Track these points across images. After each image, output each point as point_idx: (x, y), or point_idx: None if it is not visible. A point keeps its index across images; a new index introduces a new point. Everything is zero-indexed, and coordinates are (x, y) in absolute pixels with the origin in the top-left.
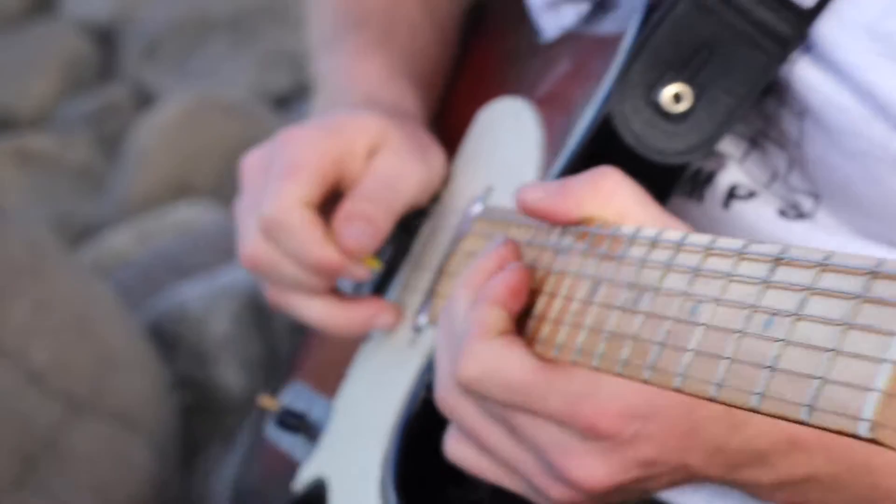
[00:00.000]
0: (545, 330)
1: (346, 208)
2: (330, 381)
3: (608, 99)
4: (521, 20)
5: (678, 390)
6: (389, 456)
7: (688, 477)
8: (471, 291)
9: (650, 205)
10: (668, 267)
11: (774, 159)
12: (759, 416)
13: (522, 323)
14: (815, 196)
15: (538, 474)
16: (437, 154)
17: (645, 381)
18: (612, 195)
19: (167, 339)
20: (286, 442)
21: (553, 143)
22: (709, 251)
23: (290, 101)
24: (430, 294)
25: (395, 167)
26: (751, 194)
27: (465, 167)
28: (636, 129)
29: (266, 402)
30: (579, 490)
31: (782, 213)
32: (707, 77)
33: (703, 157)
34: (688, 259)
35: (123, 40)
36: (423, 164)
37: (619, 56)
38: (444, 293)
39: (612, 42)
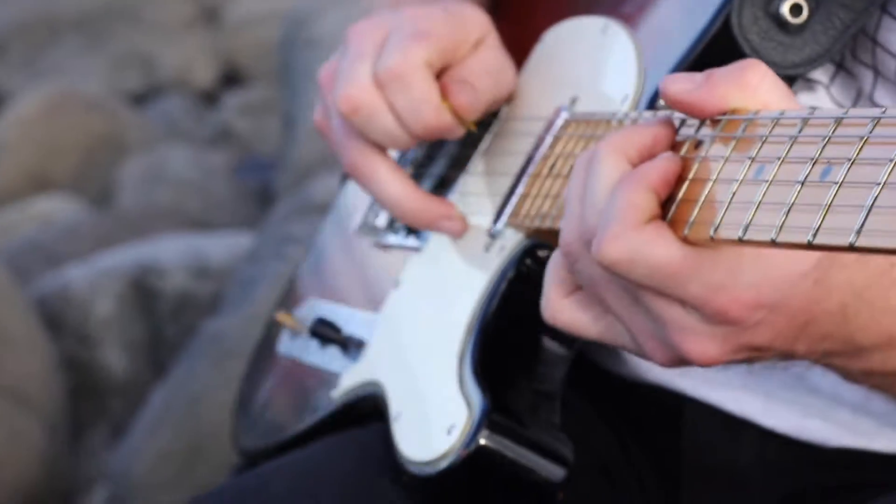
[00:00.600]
0: (694, 211)
1: (459, 74)
2: (361, 295)
3: (723, 9)
4: None
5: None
6: (467, 353)
7: (787, 357)
8: (620, 156)
9: (792, 98)
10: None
11: (860, 80)
12: (867, 311)
13: (666, 207)
14: None
15: (649, 337)
16: (512, 63)
17: (809, 245)
18: (758, 88)
19: (52, 320)
20: (314, 354)
21: (651, 54)
22: (839, 121)
23: (143, 100)
24: (512, 196)
25: (499, 61)
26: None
27: (536, 81)
28: (753, 40)
29: (283, 317)
30: (688, 361)
31: None
32: None
33: (813, 69)
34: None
35: None
36: (513, 69)
37: None
38: (541, 193)
39: None
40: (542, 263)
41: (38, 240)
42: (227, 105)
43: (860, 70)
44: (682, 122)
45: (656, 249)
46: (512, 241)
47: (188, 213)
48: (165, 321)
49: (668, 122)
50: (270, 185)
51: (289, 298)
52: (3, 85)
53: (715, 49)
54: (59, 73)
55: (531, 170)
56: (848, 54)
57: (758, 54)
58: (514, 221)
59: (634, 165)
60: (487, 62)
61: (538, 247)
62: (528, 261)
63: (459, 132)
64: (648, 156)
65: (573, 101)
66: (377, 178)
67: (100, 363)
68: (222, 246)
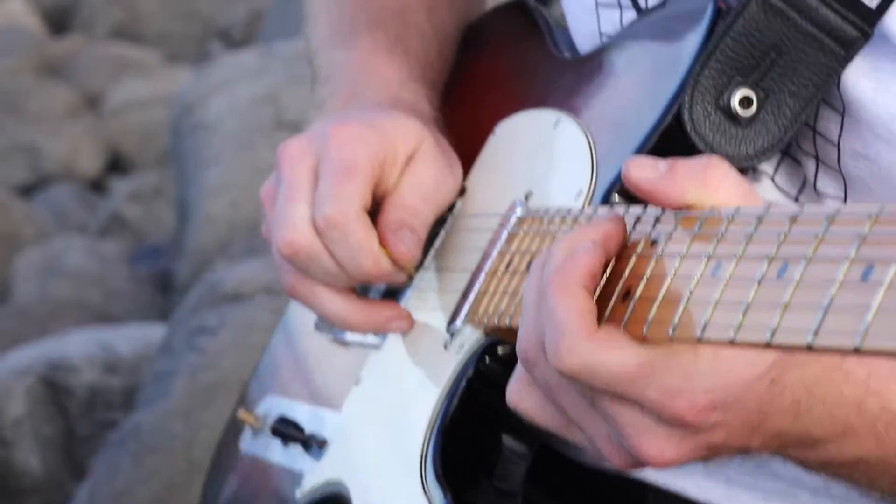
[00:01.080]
0: (652, 310)
1: (394, 219)
2: (321, 392)
3: (673, 104)
4: (529, 37)
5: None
6: (428, 452)
7: (743, 452)
8: (577, 287)
9: (754, 196)
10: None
11: (804, 167)
12: (820, 405)
13: (621, 306)
14: (843, 198)
15: (606, 441)
16: (458, 163)
17: (767, 345)
18: (719, 187)
19: None
20: (276, 453)
21: (603, 150)
22: (793, 220)
23: (31, 191)
24: (470, 293)
25: (432, 177)
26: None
27: (490, 175)
28: (706, 134)
29: (244, 415)
30: (644, 464)
31: None
32: (773, 81)
33: (765, 160)
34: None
35: None
36: (451, 174)
37: (684, 62)
38: (498, 290)
39: (660, 50)
40: (501, 362)
41: None
42: (116, 193)
43: (803, 158)
44: (637, 220)
45: (612, 357)
46: (471, 338)
47: (88, 304)
48: (78, 417)
49: (618, 219)
50: (168, 273)
51: (248, 395)
52: None
53: (668, 142)
54: None
55: (488, 266)
56: (793, 143)
57: (711, 148)
58: (473, 319)
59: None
60: (423, 185)
61: (497, 343)
62: (488, 359)
63: (401, 278)
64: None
65: (528, 195)
66: (317, 297)
67: (15, 463)
68: (130, 338)
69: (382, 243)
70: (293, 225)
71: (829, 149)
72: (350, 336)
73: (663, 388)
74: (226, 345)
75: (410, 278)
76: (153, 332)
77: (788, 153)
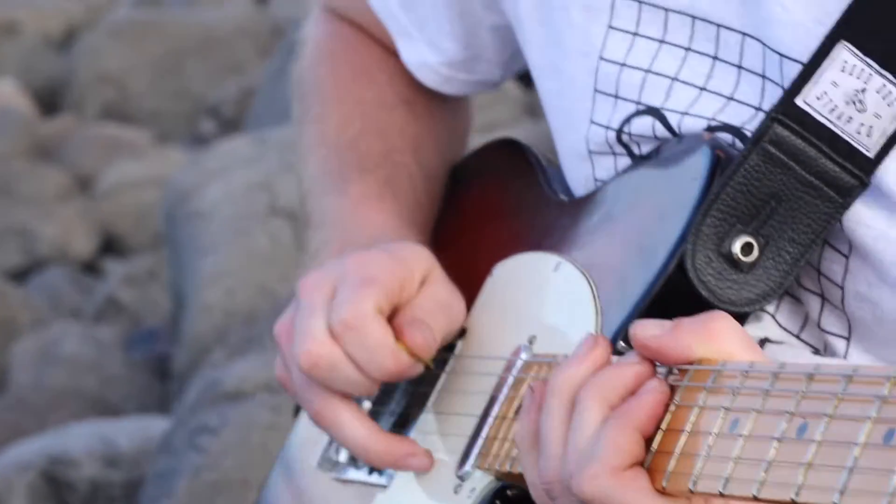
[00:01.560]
0: (671, 463)
1: (411, 314)
2: None
3: (676, 252)
4: (522, 176)
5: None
6: None
7: None
8: (605, 405)
9: (756, 349)
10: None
11: (807, 305)
12: None
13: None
14: (847, 337)
15: None
16: (461, 296)
17: (793, 502)
18: (721, 338)
19: None
20: None
21: (606, 295)
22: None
23: (24, 275)
24: (478, 438)
25: (447, 294)
26: (780, 343)
27: (490, 318)
28: (709, 281)
29: None
30: None
31: (815, 352)
32: (773, 228)
33: (768, 304)
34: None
35: None
36: (460, 298)
37: (685, 210)
38: (508, 436)
39: (659, 199)
40: None
41: None
42: (110, 275)
43: (807, 297)
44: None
45: (629, 496)
46: (481, 482)
47: (85, 393)
48: None
49: (644, 360)
50: (164, 358)
51: None
52: None
53: (670, 288)
54: None
55: (495, 411)
56: (794, 282)
57: (713, 295)
58: (483, 464)
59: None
60: (437, 297)
61: (507, 487)
62: (498, 503)
63: (418, 370)
64: (628, 394)
65: (531, 340)
66: (340, 423)
67: None
68: (129, 432)
69: (398, 337)
70: (311, 336)
71: (834, 290)
72: (353, 474)
73: None
74: (227, 444)
75: (428, 370)
76: (152, 425)
77: (790, 292)
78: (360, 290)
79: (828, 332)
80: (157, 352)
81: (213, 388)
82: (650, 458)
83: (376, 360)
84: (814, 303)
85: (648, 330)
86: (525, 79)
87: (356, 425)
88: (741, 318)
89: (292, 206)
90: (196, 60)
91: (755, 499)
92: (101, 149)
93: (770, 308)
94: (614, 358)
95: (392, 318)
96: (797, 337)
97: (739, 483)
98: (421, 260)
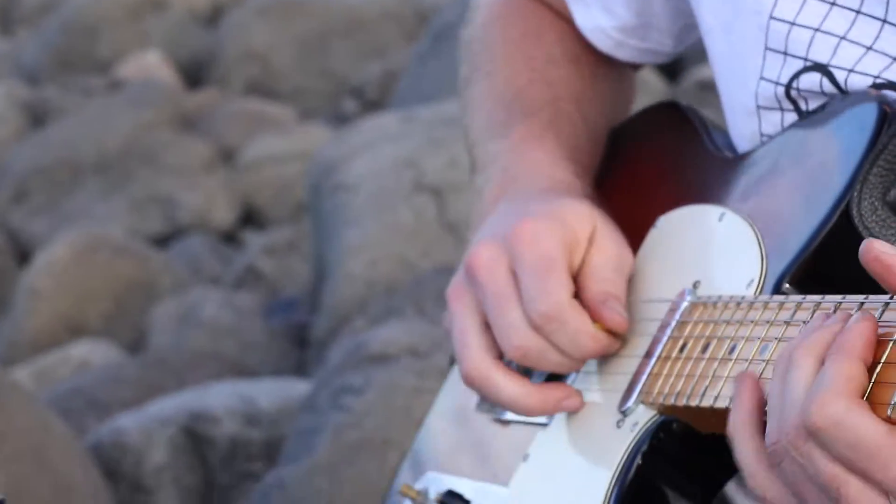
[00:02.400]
0: (894, 395)
1: (598, 291)
2: (486, 469)
3: (843, 199)
4: (684, 136)
5: None
6: None
7: None
8: (817, 361)
9: None
10: None
11: None
12: None
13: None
14: None
15: None
16: (623, 235)
17: None
18: None
19: (107, 468)
20: None
21: (771, 241)
22: None
23: (165, 242)
24: (640, 376)
25: (616, 250)
26: None
27: (654, 266)
28: (874, 229)
29: (406, 489)
30: None
31: None
32: None
33: None
34: None
35: None
36: (626, 245)
37: (852, 160)
38: (673, 373)
39: (827, 150)
40: (675, 436)
41: (78, 386)
42: (250, 246)
43: None
44: (817, 306)
45: (863, 421)
46: (644, 417)
47: (223, 356)
48: (219, 468)
49: (870, 317)
50: (302, 327)
51: (406, 471)
52: (26, 229)
53: (835, 237)
54: (81, 218)
55: (658, 351)
56: None
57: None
58: (647, 400)
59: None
60: (611, 259)
61: (671, 422)
62: (661, 434)
63: (617, 346)
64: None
65: (696, 284)
66: (493, 383)
67: None
68: (269, 392)
69: (594, 318)
70: (516, 330)
71: None
72: (511, 415)
73: None
74: (371, 405)
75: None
76: (292, 387)
77: None
78: (548, 279)
79: None
80: (295, 320)
81: (358, 350)
82: (870, 389)
83: (579, 345)
84: None
85: (884, 245)
86: (669, 70)
87: (507, 383)
88: None
89: (437, 182)
90: (341, 41)
91: None
92: (245, 123)
93: None
94: (778, 297)
95: (576, 288)
96: None
97: None
98: (584, 219)
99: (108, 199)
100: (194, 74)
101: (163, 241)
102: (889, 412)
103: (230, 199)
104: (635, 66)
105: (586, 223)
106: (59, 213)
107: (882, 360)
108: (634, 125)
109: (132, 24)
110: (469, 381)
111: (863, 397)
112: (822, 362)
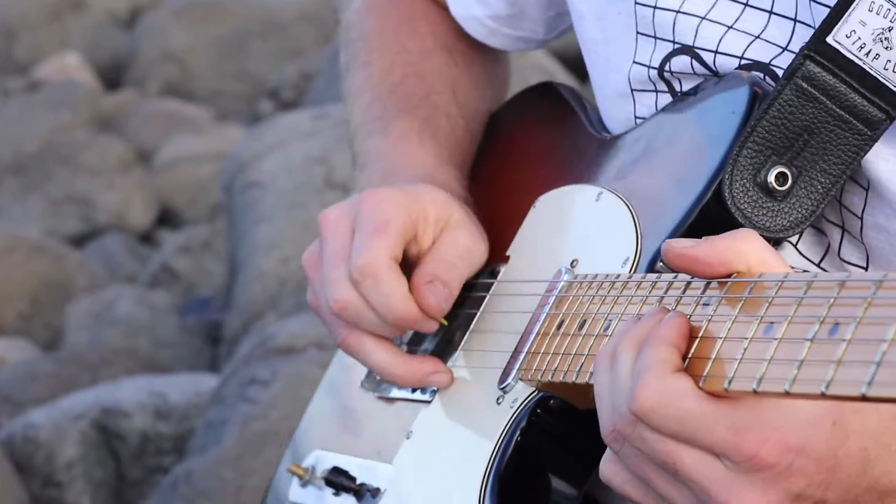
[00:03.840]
0: (707, 367)
1: (428, 271)
2: (370, 446)
3: (714, 180)
4: (563, 116)
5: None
6: (485, 498)
7: None
8: (635, 347)
9: (782, 262)
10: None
11: (829, 236)
12: (886, 454)
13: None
14: (865, 267)
15: None
16: (485, 235)
17: (822, 395)
18: (754, 249)
19: (19, 462)
20: (328, 503)
21: (646, 221)
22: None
23: (82, 241)
24: (519, 353)
25: (468, 242)
26: (804, 272)
27: (533, 245)
28: (745, 209)
29: (293, 468)
30: None
31: None
32: (806, 159)
33: (800, 231)
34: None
35: None
36: (483, 241)
37: (724, 142)
38: (551, 350)
39: (699, 131)
40: (552, 413)
41: None
42: (166, 245)
43: (829, 228)
44: (687, 285)
45: (683, 395)
46: (523, 394)
47: (138, 353)
48: (129, 462)
49: (665, 309)
50: (216, 324)
51: (294, 450)
52: None
53: (706, 216)
54: None
55: (537, 329)
56: None
57: (750, 222)
58: (525, 376)
59: None
60: (457, 244)
61: (549, 398)
62: (539, 411)
63: (432, 326)
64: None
65: (573, 263)
66: (365, 350)
67: None
68: (180, 387)
69: (413, 293)
70: (337, 284)
71: (854, 221)
72: (396, 392)
73: (731, 425)
74: (277, 396)
75: (442, 327)
76: (203, 382)
77: (812, 223)
78: (375, 236)
79: (847, 262)
80: (209, 318)
81: (265, 343)
82: (686, 363)
83: (390, 306)
84: (835, 233)
85: (682, 242)
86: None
87: (378, 349)
88: (774, 245)
89: (348, 178)
90: (258, 43)
91: (787, 393)
92: (162, 124)
93: (793, 238)
94: (651, 276)
95: (414, 264)
96: (818, 266)
97: (771, 382)
98: (437, 202)
99: (25, 199)
100: (112, 76)
101: (80, 240)
102: (701, 384)
103: (147, 199)
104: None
105: (439, 205)
106: None
107: (699, 336)
108: (512, 107)
109: (51, 26)
110: (344, 348)
111: (680, 371)
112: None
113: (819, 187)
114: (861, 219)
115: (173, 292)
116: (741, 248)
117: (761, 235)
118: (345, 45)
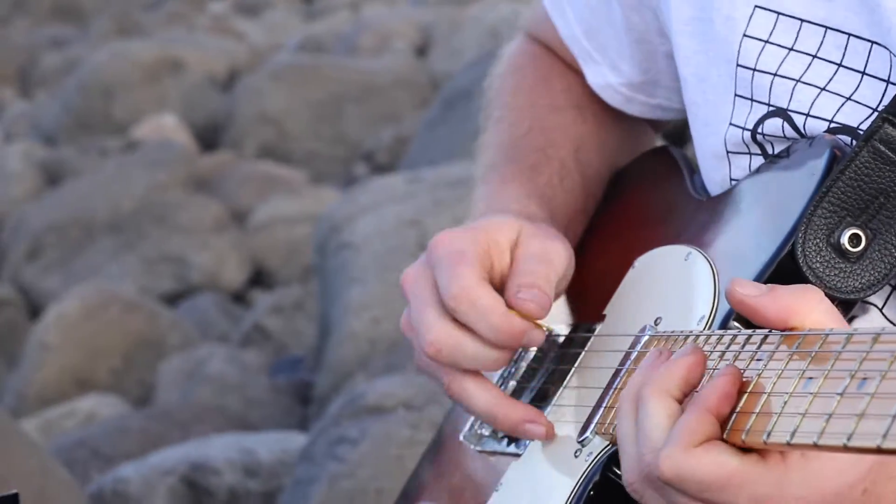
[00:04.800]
0: (749, 421)
1: (515, 283)
2: (469, 498)
3: (789, 239)
4: (671, 179)
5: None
6: None
7: None
8: (664, 395)
9: (841, 320)
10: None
11: None
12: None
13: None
14: None
15: None
16: (561, 237)
17: (845, 447)
18: (814, 310)
19: None
20: None
21: (725, 279)
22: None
23: (175, 300)
24: (599, 408)
25: (540, 246)
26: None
27: (627, 303)
28: (817, 269)
29: None
30: None
31: None
32: (881, 222)
33: (872, 294)
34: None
35: (5, 243)
36: (561, 243)
37: (801, 202)
38: None
39: (780, 191)
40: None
41: (84, 437)
42: (258, 305)
43: None
44: (746, 340)
45: (702, 468)
46: (599, 447)
47: (228, 411)
48: None
49: (696, 350)
50: (306, 384)
51: (405, 501)
52: (38, 285)
53: (781, 275)
54: (94, 275)
55: (617, 383)
56: None
57: (821, 281)
58: (601, 430)
59: (678, 398)
60: (532, 254)
61: None
62: (613, 466)
63: (539, 336)
64: (686, 384)
65: (657, 321)
66: (467, 392)
67: None
68: (269, 444)
69: (510, 306)
70: (429, 326)
71: None
72: (493, 445)
73: (754, 495)
74: (365, 455)
75: (548, 340)
76: (292, 440)
77: (889, 284)
78: (457, 266)
79: None
80: (299, 378)
81: (355, 402)
82: (733, 419)
83: (492, 322)
84: None
85: (747, 288)
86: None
87: (481, 390)
88: (847, 305)
89: None
90: (354, 106)
91: (815, 446)
92: (257, 185)
93: (878, 301)
94: (720, 332)
95: (502, 291)
96: None
97: (803, 435)
98: (503, 226)
99: (120, 258)
100: (209, 137)
101: (173, 299)
102: (743, 437)
103: (240, 259)
104: (654, 124)
105: (508, 231)
106: (72, 271)
107: (748, 391)
108: (632, 169)
109: (149, 87)
110: (448, 393)
111: (712, 440)
112: (670, 396)
113: (893, 250)
114: None
115: (265, 352)
116: (800, 309)
117: (833, 296)
118: (483, 106)
